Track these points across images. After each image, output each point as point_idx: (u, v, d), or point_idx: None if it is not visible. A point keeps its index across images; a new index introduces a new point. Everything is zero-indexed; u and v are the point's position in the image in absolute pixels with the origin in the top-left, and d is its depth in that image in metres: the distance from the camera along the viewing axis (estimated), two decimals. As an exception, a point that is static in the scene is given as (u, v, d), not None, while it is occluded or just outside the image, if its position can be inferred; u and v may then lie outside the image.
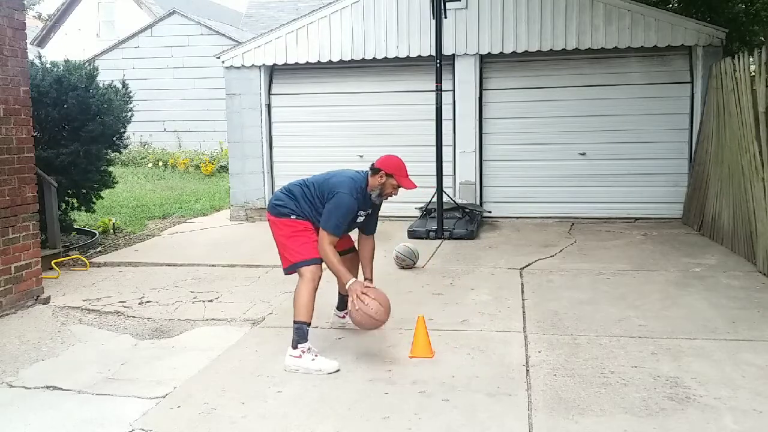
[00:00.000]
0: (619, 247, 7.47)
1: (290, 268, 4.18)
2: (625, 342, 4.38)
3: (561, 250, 7.31)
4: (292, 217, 4.18)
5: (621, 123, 9.02)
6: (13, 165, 5.34)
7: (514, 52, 9.05)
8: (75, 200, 8.31)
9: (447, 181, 8.97)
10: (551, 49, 8.93)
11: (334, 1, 9.51)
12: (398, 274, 6.33)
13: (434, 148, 8.23)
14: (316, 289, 4.10)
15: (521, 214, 9.35)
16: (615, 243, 7.67)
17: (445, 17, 8.38)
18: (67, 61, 8.06)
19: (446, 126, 8.78)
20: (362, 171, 4.34)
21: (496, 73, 9.36)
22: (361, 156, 9.06)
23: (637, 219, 9.04)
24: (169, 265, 7.00)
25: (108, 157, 8.41)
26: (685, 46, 8.74)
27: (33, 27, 23.76)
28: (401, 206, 8.44)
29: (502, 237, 8.25)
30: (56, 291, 5.95)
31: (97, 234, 8.53)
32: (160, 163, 16.10)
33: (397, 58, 9.37)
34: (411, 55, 9.28)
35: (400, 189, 4.31)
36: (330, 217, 4.09)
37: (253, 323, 5.01)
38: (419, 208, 8.84)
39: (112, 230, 8.91)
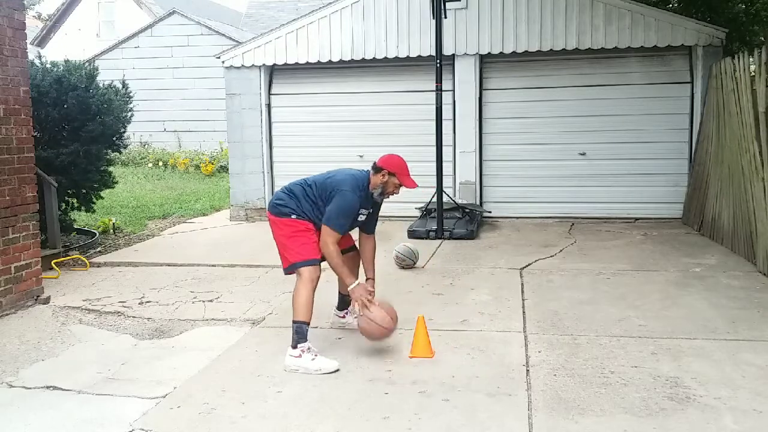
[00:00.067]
0: (619, 247, 7.47)
1: (290, 268, 4.19)
2: (625, 342, 4.38)
3: (561, 250, 7.31)
4: (292, 216, 4.18)
5: (621, 123, 9.02)
6: (13, 165, 5.34)
7: (514, 52, 9.05)
8: (75, 200, 8.31)
9: (447, 181, 8.97)
10: (551, 49, 8.93)
11: (334, 1, 9.51)
12: (398, 274, 6.33)
13: (434, 148, 8.24)
14: (315, 289, 4.11)
15: (521, 214, 9.35)
16: (615, 243, 7.67)
17: (445, 17, 8.38)
18: (67, 61, 8.06)
19: (446, 126, 8.78)
20: (363, 170, 4.36)
21: (496, 73, 9.36)
22: (361, 156, 9.06)
23: (637, 219, 9.04)
24: (169, 265, 7.00)
25: (108, 157, 8.42)
26: (685, 46, 8.74)
27: (33, 27, 23.76)
28: (401, 206, 8.45)
29: (502, 237, 8.25)
30: (56, 291, 5.95)
31: (97, 234, 8.53)
32: (160, 163, 16.10)
33: (397, 58, 9.37)
34: (411, 55, 9.28)
35: (401, 189, 4.37)
36: (334, 214, 4.11)
37: (253, 323, 5.01)
38: (419, 208, 8.84)
39: (112, 230, 8.92)
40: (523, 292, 5.67)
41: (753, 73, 6.56)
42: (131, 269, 6.89)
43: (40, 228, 5.77)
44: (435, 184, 8.24)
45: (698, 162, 8.46)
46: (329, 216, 4.11)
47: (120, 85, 8.72)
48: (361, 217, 4.34)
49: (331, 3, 9.58)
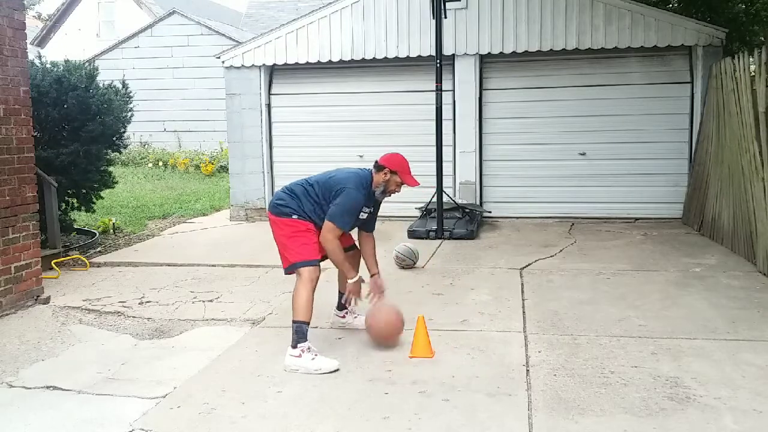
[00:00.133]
0: (619, 247, 7.47)
1: (290, 268, 4.19)
2: (625, 342, 4.38)
3: (561, 250, 7.31)
4: (293, 216, 4.19)
5: (621, 123, 9.02)
6: (13, 165, 5.34)
7: (514, 52, 9.05)
8: (75, 200, 8.31)
9: (447, 181, 8.97)
10: (551, 49, 8.93)
11: (334, 1, 9.51)
12: (398, 274, 6.32)
13: (434, 148, 8.24)
14: (315, 289, 4.11)
15: (521, 214, 9.35)
16: (615, 243, 7.67)
17: (445, 17, 8.38)
18: (67, 61, 8.06)
19: (446, 126, 8.78)
20: (365, 168, 4.39)
21: (496, 73, 9.36)
22: (361, 156, 9.06)
23: (637, 219, 9.04)
24: (169, 265, 7.00)
25: (108, 157, 8.41)
26: (685, 46, 8.74)
27: (33, 27, 23.76)
28: (401, 206, 8.46)
29: (502, 237, 8.25)
30: (56, 291, 5.95)
31: (97, 234, 8.53)
32: (160, 163, 16.10)
33: (397, 58, 9.37)
34: (411, 55, 9.28)
35: (402, 188, 4.40)
36: (339, 211, 4.13)
37: (253, 323, 5.01)
38: (419, 208, 8.84)
39: (112, 230, 8.92)
40: (523, 292, 5.67)
41: (753, 73, 6.56)
42: (131, 269, 6.89)
43: (40, 228, 5.77)
44: (435, 184, 8.24)
45: (698, 162, 8.46)
46: (333, 212, 4.13)
47: (120, 85, 8.72)
48: (363, 216, 4.36)
49: (331, 3, 9.58)
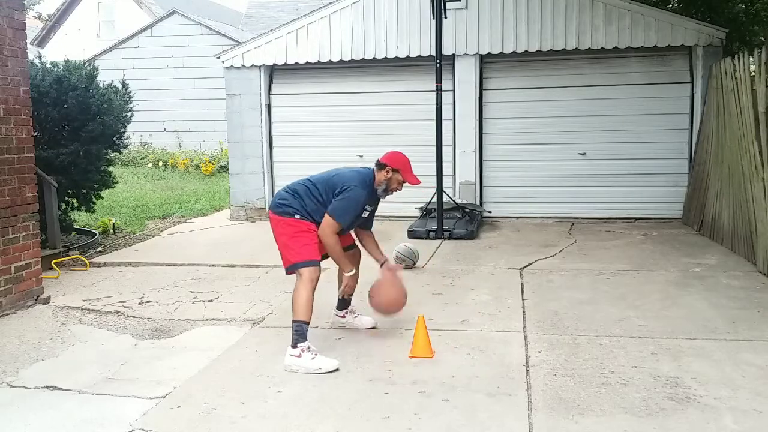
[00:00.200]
0: (619, 247, 7.47)
1: (291, 268, 4.19)
2: (625, 342, 4.38)
3: (561, 250, 7.31)
4: (296, 216, 4.19)
5: (621, 123, 9.02)
6: (13, 165, 5.34)
7: (514, 52, 9.05)
8: (75, 200, 8.31)
9: (447, 181, 8.97)
10: (551, 49, 8.93)
11: (334, 1, 9.51)
12: (398, 274, 6.32)
13: (434, 148, 8.24)
14: (315, 289, 4.12)
15: (521, 214, 9.35)
16: (615, 243, 7.67)
17: (445, 17, 8.38)
18: (67, 61, 8.06)
19: (446, 126, 8.78)
20: (367, 167, 4.41)
21: (496, 73, 9.36)
22: (361, 156, 9.06)
23: (637, 219, 9.04)
24: (169, 265, 7.00)
25: (108, 157, 8.41)
26: (685, 46, 8.74)
27: (33, 27, 23.76)
28: (401, 206, 8.46)
29: (502, 237, 8.25)
30: (56, 291, 5.95)
31: (97, 234, 8.53)
32: (160, 163, 16.10)
33: (397, 58, 9.37)
34: (411, 55, 9.28)
35: (401, 189, 4.43)
36: (341, 207, 4.15)
37: (253, 323, 5.01)
38: (419, 208, 8.84)
39: (112, 230, 8.92)
40: (523, 292, 5.67)
41: (753, 73, 6.56)
42: (131, 269, 6.89)
43: (40, 228, 5.77)
44: (435, 184, 8.24)
45: (698, 162, 8.46)
46: (335, 207, 4.14)
47: (120, 85, 8.72)
48: (365, 214, 4.40)
49: (331, 3, 9.58)
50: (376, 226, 4.80)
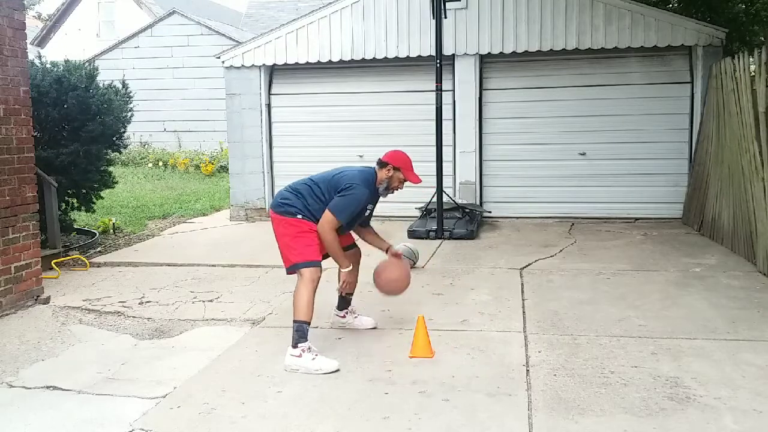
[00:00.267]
0: (619, 247, 7.47)
1: (292, 268, 4.19)
2: (625, 342, 4.38)
3: (561, 250, 7.31)
4: (298, 216, 4.19)
5: (621, 123, 9.02)
6: (13, 165, 5.34)
7: (514, 52, 9.05)
8: (75, 200, 8.31)
9: (447, 181, 8.97)
10: (551, 49, 8.93)
11: (334, 1, 9.51)
12: (398, 274, 6.31)
13: (434, 148, 8.24)
14: (316, 289, 4.11)
15: (521, 214, 9.35)
16: (615, 243, 7.67)
17: (445, 17, 8.38)
18: (67, 61, 8.06)
19: (446, 126, 8.78)
20: (368, 167, 4.43)
21: (496, 73, 9.36)
22: (361, 156, 9.06)
23: (637, 219, 9.04)
24: (169, 265, 7.00)
25: (108, 157, 8.41)
26: (685, 46, 8.74)
27: (33, 27, 23.76)
28: (401, 206, 8.46)
29: (502, 237, 8.25)
30: (56, 291, 5.95)
31: (97, 234, 8.53)
32: (160, 163, 16.10)
33: (397, 58, 9.37)
34: (411, 55, 9.28)
35: (402, 188, 4.46)
36: (342, 204, 4.16)
37: (253, 323, 5.01)
38: (419, 208, 8.84)
39: (112, 230, 8.92)
40: (523, 292, 5.67)
41: (753, 73, 6.56)
42: (131, 269, 6.89)
43: (40, 228, 5.77)
44: (435, 184, 8.24)
45: (698, 162, 8.46)
46: (336, 204, 4.15)
47: (120, 85, 8.72)
48: (367, 212, 4.42)
49: (331, 3, 9.58)
50: (376, 226, 4.80)
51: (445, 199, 8.44)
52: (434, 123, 8.21)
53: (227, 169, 11.24)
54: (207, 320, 5.14)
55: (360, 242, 4.69)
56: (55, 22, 24.78)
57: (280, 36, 9.62)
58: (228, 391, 3.73)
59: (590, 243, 7.70)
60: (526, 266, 6.58)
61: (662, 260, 6.73)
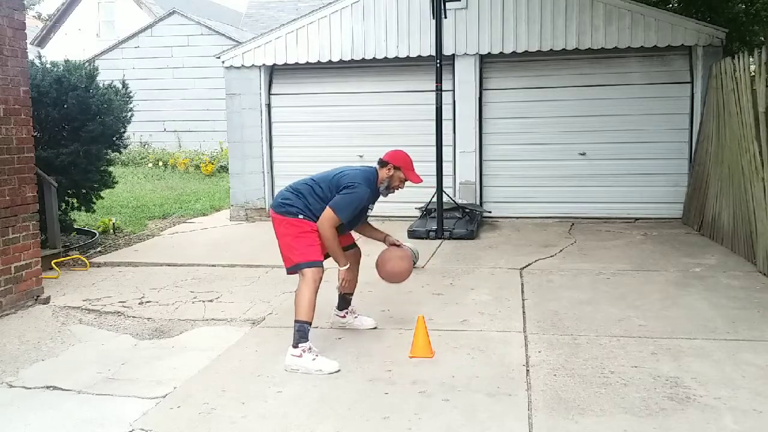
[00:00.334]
0: (619, 247, 7.47)
1: (293, 268, 4.19)
2: (625, 342, 4.38)
3: (561, 250, 7.31)
4: (299, 216, 4.19)
5: (621, 123, 9.02)
6: (13, 165, 5.34)
7: (514, 52, 9.05)
8: (75, 200, 8.31)
9: (447, 181, 8.97)
10: (551, 49, 8.93)
11: (334, 1, 9.51)
12: (398, 274, 6.31)
13: (434, 148, 8.24)
14: (318, 290, 4.11)
15: (521, 214, 9.35)
16: (615, 243, 7.67)
17: (445, 17, 8.38)
18: (67, 61, 8.06)
19: (446, 126, 8.78)
20: (369, 166, 4.44)
21: (496, 73, 9.36)
22: (361, 156, 9.05)
23: (637, 219, 9.04)
24: (169, 265, 7.00)
25: (108, 157, 8.41)
26: (685, 46, 8.74)
27: (33, 27, 23.76)
28: (401, 206, 8.46)
29: (502, 237, 8.25)
30: (56, 291, 5.95)
31: (97, 234, 8.53)
32: (160, 163, 16.10)
33: (397, 58, 9.37)
34: (411, 55, 9.28)
35: (402, 187, 4.47)
36: (344, 202, 4.16)
37: (253, 323, 5.01)
38: (419, 208, 8.84)
39: (112, 230, 8.92)
40: (523, 292, 5.67)
41: (753, 73, 6.56)
42: (131, 269, 6.89)
43: (40, 228, 5.77)
44: (435, 184, 8.24)
45: (698, 162, 8.46)
46: (337, 201, 4.16)
47: (120, 85, 8.71)
48: (369, 211, 4.43)
49: (331, 3, 9.58)
50: (376, 226, 4.79)
51: (445, 199, 8.44)
52: (434, 123, 8.21)
53: (227, 169, 11.25)
54: (207, 320, 5.14)
55: (360, 241, 4.69)
56: (55, 22, 24.78)
57: (280, 36, 9.62)
58: (228, 391, 3.73)
59: (590, 243, 7.70)
60: (526, 266, 6.58)
61: (662, 260, 6.73)
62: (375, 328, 4.72)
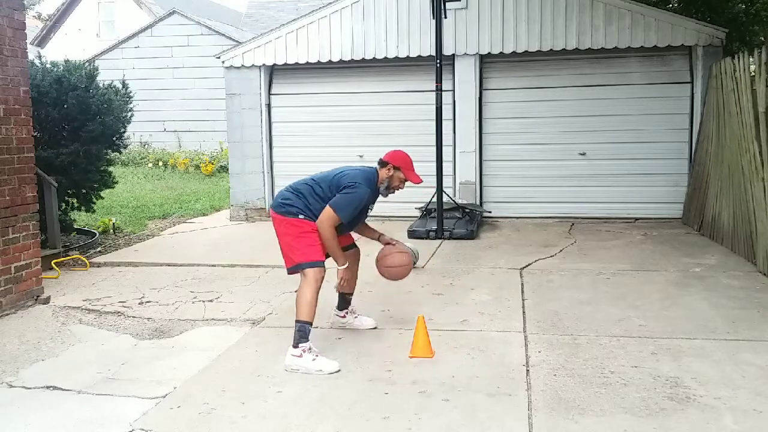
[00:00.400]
0: (619, 247, 7.47)
1: (294, 268, 4.19)
2: (625, 342, 4.38)
3: (561, 250, 7.31)
4: (300, 216, 4.19)
5: (621, 123, 9.02)
6: (13, 165, 5.34)
7: (514, 52, 9.05)
8: (75, 200, 8.31)
9: (447, 181, 8.97)
10: (551, 49, 8.93)
11: (334, 1, 9.51)
12: (398, 274, 6.31)
13: (434, 148, 8.24)
14: (319, 290, 4.11)
15: (521, 214, 9.35)
16: (615, 243, 7.67)
17: (445, 17, 8.38)
18: (67, 61, 8.06)
19: (446, 126, 8.78)
20: (369, 166, 4.44)
21: (496, 73, 9.36)
22: (361, 156, 9.06)
23: (637, 219, 9.04)
24: (169, 265, 7.00)
25: (108, 157, 8.41)
26: (685, 46, 8.74)
27: (33, 27, 23.76)
28: (401, 206, 8.46)
29: (502, 237, 8.25)
30: (56, 291, 5.95)
31: (97, 234, 8.53)
32: (160, 163, 16.10)
33: (397, 58, 9.37)
34: (411, 55, 9.28)
35: (402, 187, 4.46)
36: (344, 202, 4.16)
37: (253, 323, 5.01)
38: (419, 208, 8.84)
39: (112, 230, 8.92)
40: (523, 292, 5.67)
41: (753, 73, 6.56)
42: (131, 269, 6.89)
43: (40, 228, 5.77)
44: (435, 184, 8.24)
45: (698, 162, 8.46)
46: (337, 201, 4.16)
47: (120, 85, 8.71)
48: (369, 211, 4.43)
49: (331, 3, 9.58)
50: (376, 226, 4.80)
51: (445, 199, 8.44)
52: (434, 123, 8.21)
53: (227, 169, 11.25)
54: (207, 320, 5.14)
55: (360, 242, 4.69)
56: (55, 22, 24.78)
57: (280, 36, 9.62)
58: (228, 391, 3.73)
59: (590, 243, 7.70)
60: (526, 266, 6.58)
61: (662, 260, 6.73)
62: (375, 328, 4.72)
